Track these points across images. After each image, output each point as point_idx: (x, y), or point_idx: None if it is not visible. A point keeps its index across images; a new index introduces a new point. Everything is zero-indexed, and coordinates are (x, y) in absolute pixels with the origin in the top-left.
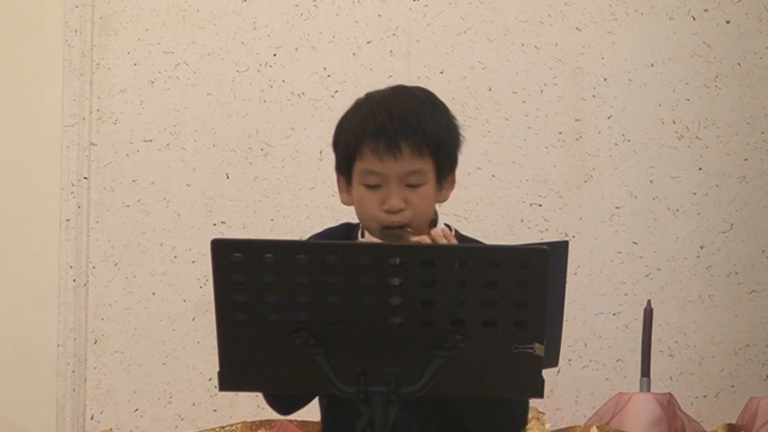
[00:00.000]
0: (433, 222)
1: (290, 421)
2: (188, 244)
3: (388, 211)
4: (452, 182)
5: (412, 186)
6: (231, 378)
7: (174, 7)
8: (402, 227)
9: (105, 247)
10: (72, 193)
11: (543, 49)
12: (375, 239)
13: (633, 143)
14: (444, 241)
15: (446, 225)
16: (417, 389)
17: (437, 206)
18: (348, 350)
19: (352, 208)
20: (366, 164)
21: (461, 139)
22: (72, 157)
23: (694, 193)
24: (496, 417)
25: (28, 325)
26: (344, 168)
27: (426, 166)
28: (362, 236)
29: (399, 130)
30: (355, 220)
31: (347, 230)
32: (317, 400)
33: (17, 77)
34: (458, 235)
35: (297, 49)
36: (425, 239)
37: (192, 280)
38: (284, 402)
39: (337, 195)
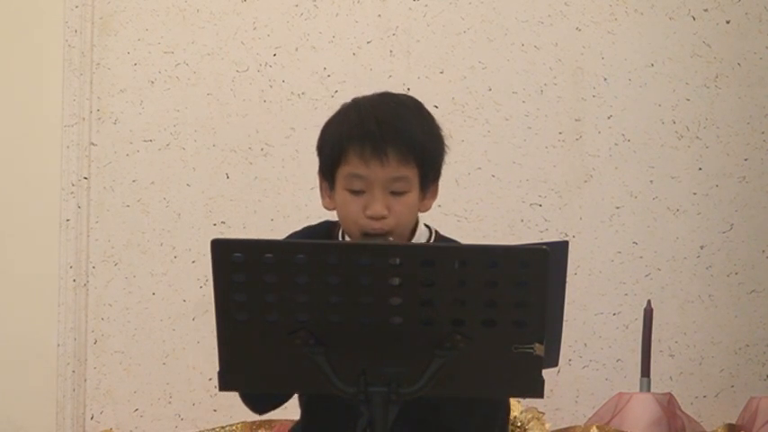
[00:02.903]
0: (413, 232)
1: (290, 421)
2: (188, 244)
3: (371, 218)
4: (435, 192)
5: (396, 194)
6: (231, 378)
7: (173, 7)
8: (383, 234)
9: (105, 247)
10: (72, 193)
11: (543, 49)
12: None
13: (633, 143)
14: None
15: (426, 226)
16: (417, 389)
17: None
18: (348, 350)
19: None
20: (351, 168)
21: (446, 149)
22: (72, 157)
23: (694, 193)
24: (481, 417)
25: (28, 325)
26: (328, 172)
27: (411, 174)
28: (343, 236)
29: (386, 136)
30: (336, 218)
31: (328, 229)
32: (295, 400)
33: (17, 77)
34: (438, 236)
35: (297, 49)
36: None
37: (192, 280)
38: (261, 401)
39: None
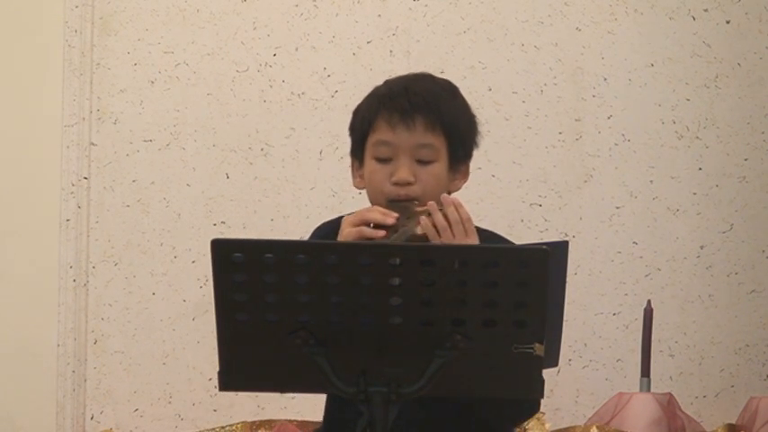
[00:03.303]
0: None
1: (290, 421)
2: (188, 244)
3: (397, 184)
4: (466, 173)
5: (423, 163)
6: (231, 378)
7: (173, 7)
8: (409, 200)
9: (105, 247)
10: (72, 193)
11: (543, 49)
12: (370, 210)
13: (633, 143)
14: (451, 209)
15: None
16: (417, 389)
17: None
18: (348, 350)
19: (352, 206)
20: (379, 134)
21: (479, 133)
22: (72, 157)
23: (694, 193)
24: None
25: (28, 325)
26: (358, 147)
27: (438, 143)
28: None
29: (415, 104)
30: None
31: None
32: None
33: (17, 77)
34: (478, 229)
35: (297, 49)
36: (431, 207)
37: (192, 280)
38: None
39: (337, 195)
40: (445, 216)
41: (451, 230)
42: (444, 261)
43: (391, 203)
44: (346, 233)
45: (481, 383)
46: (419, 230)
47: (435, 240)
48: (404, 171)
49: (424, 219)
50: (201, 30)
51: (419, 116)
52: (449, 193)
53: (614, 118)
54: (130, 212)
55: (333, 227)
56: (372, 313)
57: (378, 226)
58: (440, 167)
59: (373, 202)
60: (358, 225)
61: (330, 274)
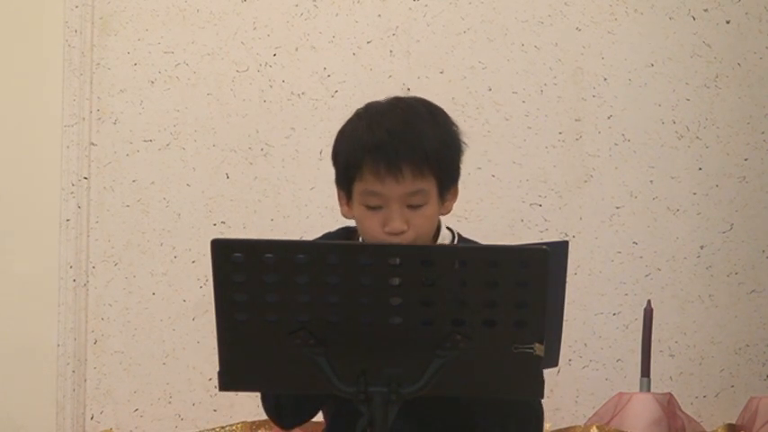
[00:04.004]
0: (437, 231)
1: None
2: (188, 244)
3: (390, 233)
4: (455, 193)
5: (414, 207)
6: (231, 378)
7: (173, 7)
8: None
9: (105, 247)
10: (72, 193)
11: (543, 49)
12: None
13: (633, 143)
14: None
15: (448, 228)
16: (417, 389)
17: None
18: (348, 350)
19: None
20: (367, 185)
21: (463, 147)
22: (72, 157)
23: (694, 193)
24: (510, 419)
25: (28, 325)
26: (344, 185)
27: (428, 186)
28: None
29: (400, 151)
30: (353, 224)
31: (346, 235)
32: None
33: (17, 77)
34: (460, 238)
35: (297, 49)
36: None
37: (192, 280)
38: (288, 416)
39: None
40: None
41: None
42: (444, 261)
43: None
44: None
45: (481, 383)
46: None
47: None
48: (397, 222)
49: None
50: (201, 30)
51: (406, 164)
52: (441, 215)
53: (614, 118)
54: (130, 212)
55: (336, 237)
56: (372, 313)
57: None
58: (431, 208)
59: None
60: None
61: (330, 274)
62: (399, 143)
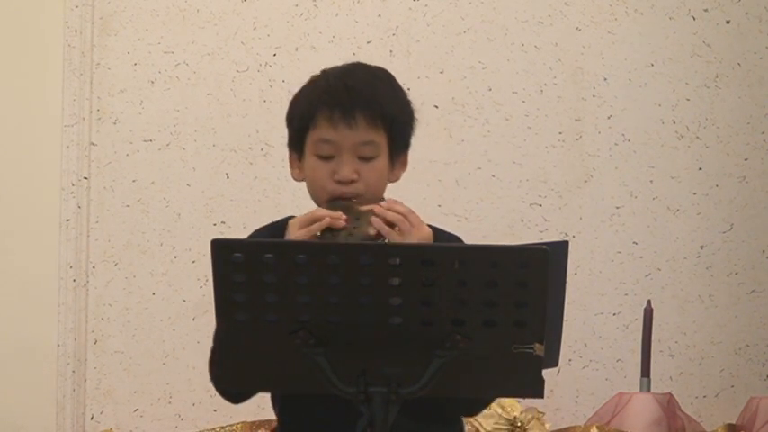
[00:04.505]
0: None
1: None
2: (188, 244)
3: (340, 182)
4: (405, 162)
5: (365, 159)
6: (231, 378)
7: (173, 7)
8: (351, 198)
9: (105, 247)
10: (72, 193)
11: (543, 49)
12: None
13: (633, 143)
14: (392, 214)
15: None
16: (417, 389)
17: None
18: (348, 350)
19: None
20: (320, 132)
21: (416, 121)
22: (72, 157)
23: (694, 193)
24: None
25: (28, 325)
26: (297, 142)
27: (380, 139)
28: None
29: (355, 101)
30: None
31: (276, 229)
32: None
33: (17, 77)
34: (435, 229)
35: (297, 49)
36: (376, 210)
37: (192, 280)
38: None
39: None
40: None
41: (400, 227)
42: (444, 261)
43: (332, 203)
44: (296, 236)
45: (481, 383)
46: (372, 231)
47: (391, 237)
48: (347, 169)
49: (374, 218)
50: (201, 30)
51: (360, 113)
52: (390, 182)
53: (614, 118)
54: (130, 212)
55: (277, 228)
56: (372, 313)
57: (328, 228)
58: (381, 163)
59: (314, 198)
60: (307, 227)
61: (330, 274)
62: (355, 93)
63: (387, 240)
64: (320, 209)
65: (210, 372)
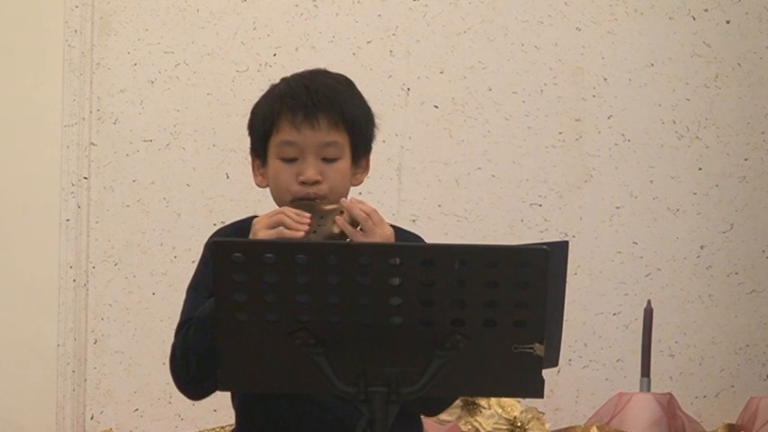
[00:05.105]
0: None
1: None
2: (188, 244)
3: (304, 183)
4: (366, 167)
5: (328, 161)
6: (231, 378)
7: (173, 7)
8: (316, 199)
9: (105, 247)
10: (72, 193)
11: (543, 49)
12: (281, 212)
13: (633, 143)
14: (357, 211)
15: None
16: (417, 389)
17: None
18: (348, 350)
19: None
20: (283, 135)
21: (376, 128)
22: (72, 157)
23: (694, 193)
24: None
25: (28, 325)
26: (260, 147)
27: (343, 141)
28: None
29: (317, 103)
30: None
31: (240, 228)
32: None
33: (17, 77)
34: (396, 229)
35: (297, 49)
36: (344, 204)
37: None
38: (200, 388)
39: None
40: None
41: (363, 226)
42: (444, 261)
43: (296, 203)
44: (261, 235)
45: (481, 383)
46: (336, 229)
47: (354, 236)
48: (311, 170)
49: (339, 217)
50: (201, 30)
51: (322, 114)
52: (352, 185)
53: (614, 118)
54: (130, 212)
55: (240, 228)
56: (372, 313)
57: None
58: (344, 164)
59: (278, 202)
60: (273, 227)
61: (330, 274)
62: (317, 95)
63: (349, 240)
64: (285, 207)
65: (171, 369)
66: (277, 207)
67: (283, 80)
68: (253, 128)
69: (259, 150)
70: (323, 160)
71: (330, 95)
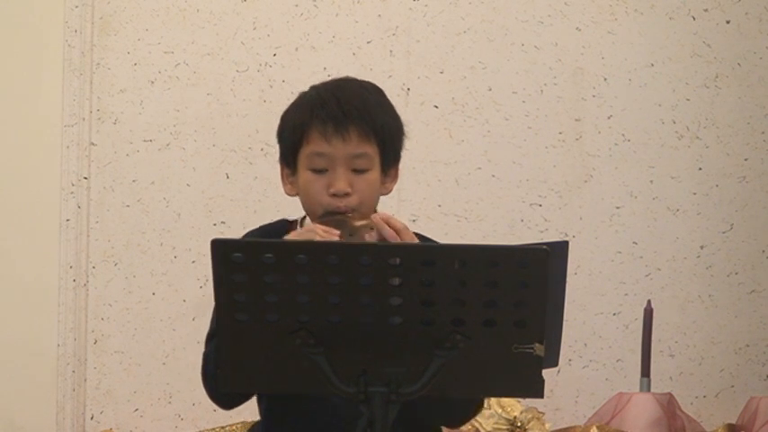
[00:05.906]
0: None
1: None
2: (188, 244)
3: (334, 195)
4: (395, 176)
5: (358, 172)
6: (231, 378)
7: (173, 7)
8: (347, 212)
9: (105, 247)
10: (72, 193)
11: (543, 49)
12: (310, 230)
13: (633, 143)
14: (387, 230)
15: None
16: (417, 389)
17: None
18: (348, 350)
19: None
20: (313, 146)
21: (405, 135)
22: (72, 157)
23: (694, 193)
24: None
25: (28, 325)
26: (290, 156)
27: (372, 152)
28: (301, 226)
29: (348, 114)
30: (293, 217)
31: (284, 227)
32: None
33: (17, 77)
34: (418, 235)
35: (297, 49)
36: (375, 220)
37: (192, 280)
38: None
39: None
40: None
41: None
42: (444, 261)
43: (326, 218)
44: None
45: (481, 383)
46: None
47: None
48: (341, 182)
49: (368, 235)
50: (201, 30)
51: (353, 126)
52: (381, 195)
53: (614, 118)
54: (130, 212)
55: (268, 232)
56: (372, 313)
57: None
58: (374, 175)
59: (308, 212)
60: None
61: (330, 274)
62: (348, 106)
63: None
64: (315, 225)
65: (204, 379)
66: (307, 215)
67: (313, 88)
68: (282, 137)
69: (288, 159)
70: (353, 171)
71: (360, 106)
